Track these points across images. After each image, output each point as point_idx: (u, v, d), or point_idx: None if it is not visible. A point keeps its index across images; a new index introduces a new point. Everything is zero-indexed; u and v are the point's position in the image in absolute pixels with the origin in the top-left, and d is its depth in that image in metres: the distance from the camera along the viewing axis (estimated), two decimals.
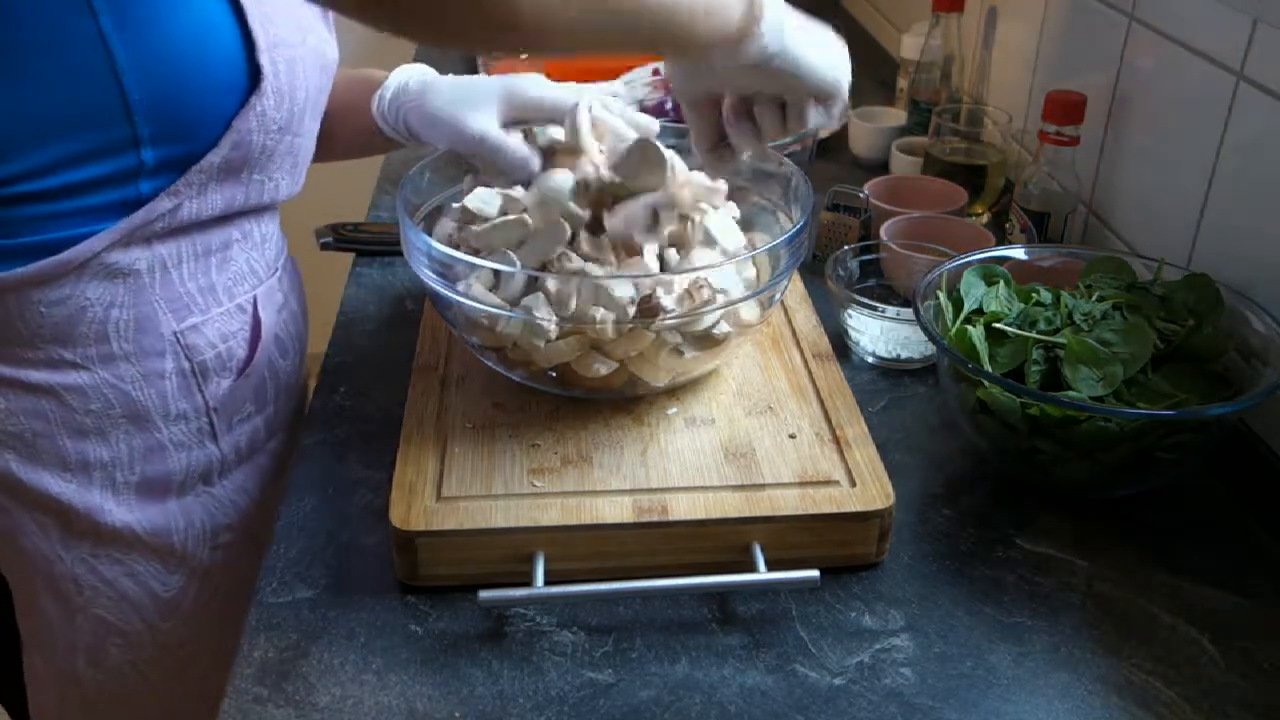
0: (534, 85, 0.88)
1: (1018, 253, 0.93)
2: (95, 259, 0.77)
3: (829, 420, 0.81)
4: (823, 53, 0.71)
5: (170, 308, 0.82)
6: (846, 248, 1.04)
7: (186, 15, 0.74)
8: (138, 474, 0.84)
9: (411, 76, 0.92)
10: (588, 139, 0.84)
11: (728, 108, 0.76)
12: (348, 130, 0.97)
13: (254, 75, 0.79)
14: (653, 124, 0.90)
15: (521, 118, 0.88)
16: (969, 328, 0.82)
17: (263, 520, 0.93)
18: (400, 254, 1.11)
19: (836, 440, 0.79)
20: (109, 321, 0.80)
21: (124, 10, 0.71)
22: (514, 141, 0.85)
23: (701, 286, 0.77)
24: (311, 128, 0.88)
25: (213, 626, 0.92)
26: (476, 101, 0.86)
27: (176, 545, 0.88)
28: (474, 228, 0.82)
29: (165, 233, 0.80)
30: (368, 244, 1.15)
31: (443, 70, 0.93)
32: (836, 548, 0.74)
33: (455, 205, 0.86)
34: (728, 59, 0.67)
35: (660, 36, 0.63)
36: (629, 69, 1.55)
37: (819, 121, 0.74)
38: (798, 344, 0.91)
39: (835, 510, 0.73)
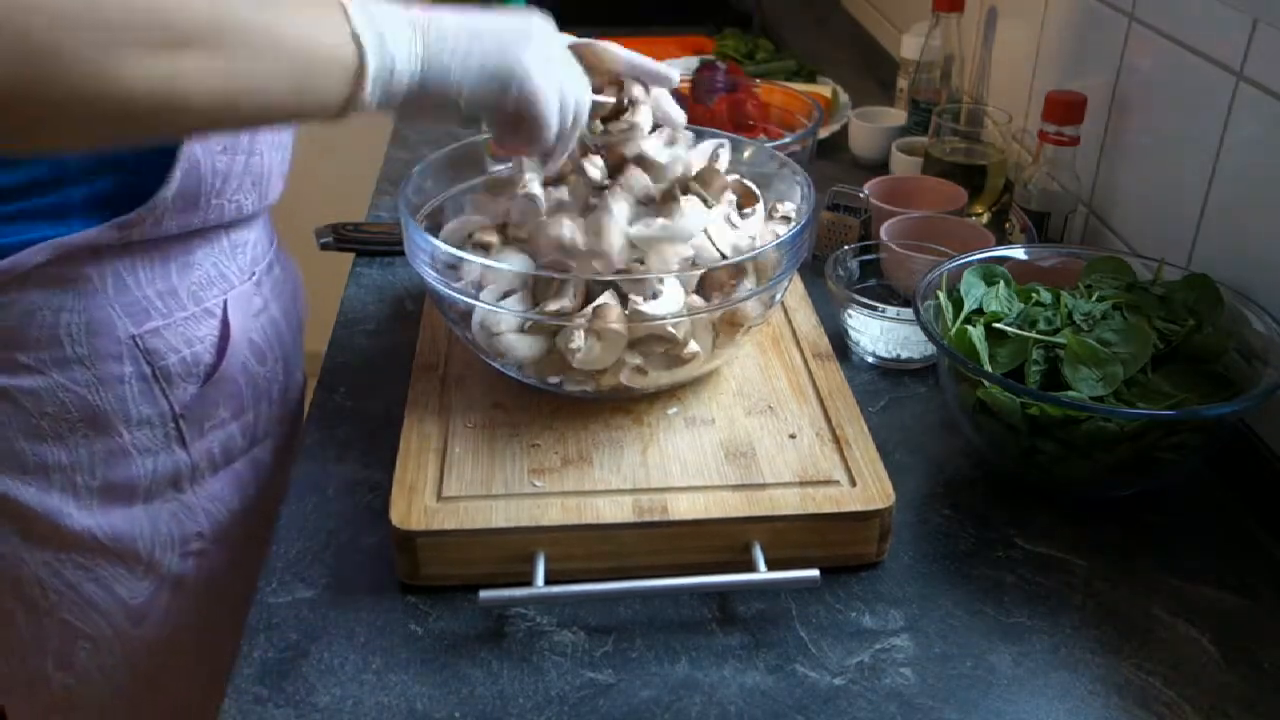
0: None
1: (1018, 253, 0.93)
2: (37, 269, 0.75)
3: (829, 420, 0.81)
4: (482, 59, 0.66)
5: (126, 312, 0.80)
6: (846, 248, 1.04)
7: None
8: (99, 478, 0.83)
9: None
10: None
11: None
12: None
13: None
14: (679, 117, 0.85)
15: None
16: (969, 328, 0.82)
17: (244, 528, 0.92)
18: (400, 254, 1.11)
19: (836, 440, 0.79)
20: (59, 325, 0.78)
21: None
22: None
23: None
24: (273, 141, 0.86)
25: (188, 634, 0.91)
26: None
27: (142, 552, 0.86)
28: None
29: (116, 248, 0.78)
30: (368, 244, 1.15)
31: None
32: (836, 547, 0.74)
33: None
34: (368, 110, 0.64)
35: (272, 118, 0.62)
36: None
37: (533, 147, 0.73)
38: (798, 344, 0.91)
39: (835, 510, 0.73)
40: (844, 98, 1.55)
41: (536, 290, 0.79)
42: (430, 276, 0.80)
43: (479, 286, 0.79)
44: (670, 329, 0.78)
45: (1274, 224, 0.83)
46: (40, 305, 0.77)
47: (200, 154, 0.78)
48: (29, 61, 0.49)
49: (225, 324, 0.87)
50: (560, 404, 0.83)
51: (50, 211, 0.75)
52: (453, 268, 0.80)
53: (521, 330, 0.80)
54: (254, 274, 0.91)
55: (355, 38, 0.61)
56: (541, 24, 0.72)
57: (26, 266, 0.75)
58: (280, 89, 0.59)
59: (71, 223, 0.76)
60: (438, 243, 0.79)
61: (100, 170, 0.76)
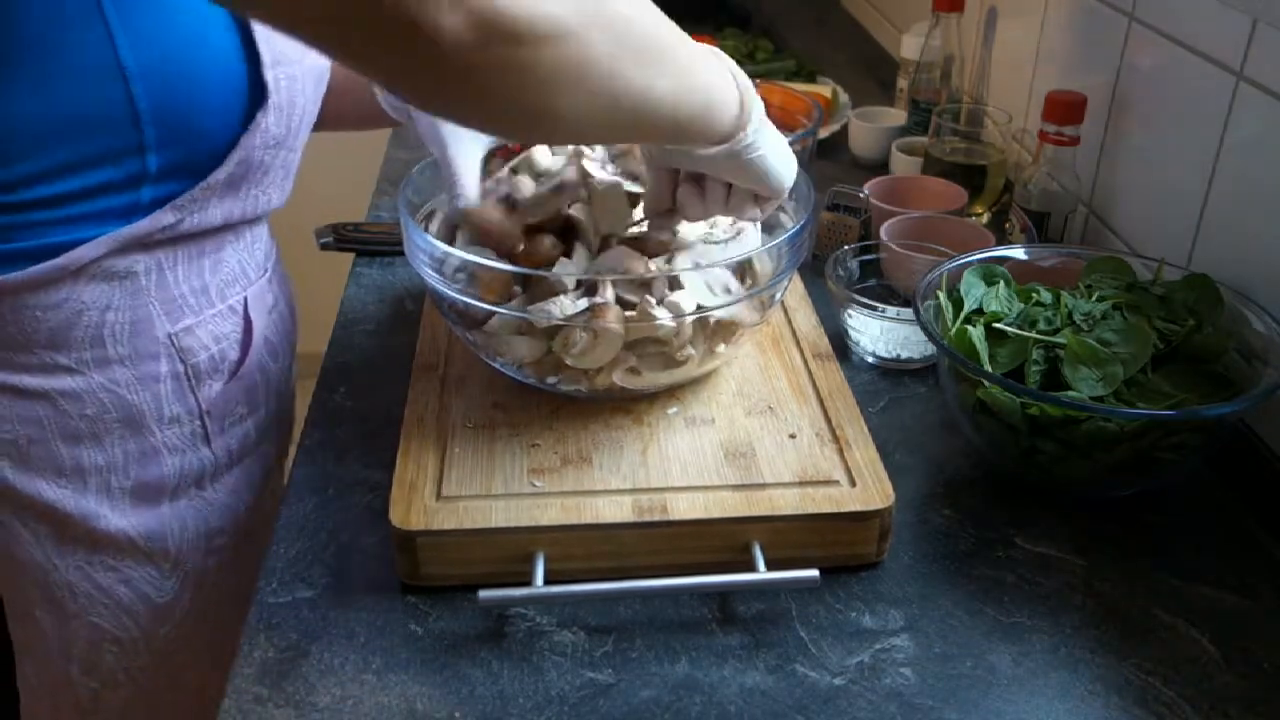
0: None
1: (1018, 253, 0.93)
2: (94, 263, 0.77)
3: (829, 420, 0.81)
4: (782, 160, 0.75)
5: (165, 309, 0.82)
6: (846, 248, 1.04)
7: (192, 25, 0.75)
8: (132, 479, 0.84)
9: None
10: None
11: (683, 178, 0.77)
12: (352, 109, 0.97)
13: (258, 91, 0.79)
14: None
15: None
16: (969, 328, 0.82)
17: (254, 524, 0.93)
18: (400, 254, 1.11)
19: (836, 440, 0.79)
20: (105, 325, 0.79)
21: (131, 18, 0.72)
22: (466, 179, 0.82)
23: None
24: (303, 140, 0.89)
25: (207, 630, 0.92)
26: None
27: (171, 550, 0.88)
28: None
29: (165, 240, 0.80)
30: (368, 244, 1.15)
31: None
32: (836, 547, 0.74)
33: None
34: (714, 151, 0.70)
35: (659, 133, 0.67)
36: None
37: (752, 215, 0.78)
38: (798, 344, 0.91)
39: (835, 510, 0.73)
40: (844, 98, 1.55)
41: (534, 290, 0.79)
42: (430, 276, 0.80)
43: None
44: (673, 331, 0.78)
45: (1274, 224, 0.83)
46: (89, 304, 0.78)
47: (257, 147, 0.81)
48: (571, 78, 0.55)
49: (247, 320, 0.89)
50: (560, 404, 0.83)
51: (122, 211, 0.77)
52: (459, 270, 0.80)
53: (519, 330, 0.80)
54: (266, 270, 0.93)
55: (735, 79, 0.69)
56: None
57: (84, 261, 0.76)
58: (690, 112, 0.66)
59: (133, 220, 0.78)
60: (437, 243, 0.79)
61: (173, 173, 0.78)
